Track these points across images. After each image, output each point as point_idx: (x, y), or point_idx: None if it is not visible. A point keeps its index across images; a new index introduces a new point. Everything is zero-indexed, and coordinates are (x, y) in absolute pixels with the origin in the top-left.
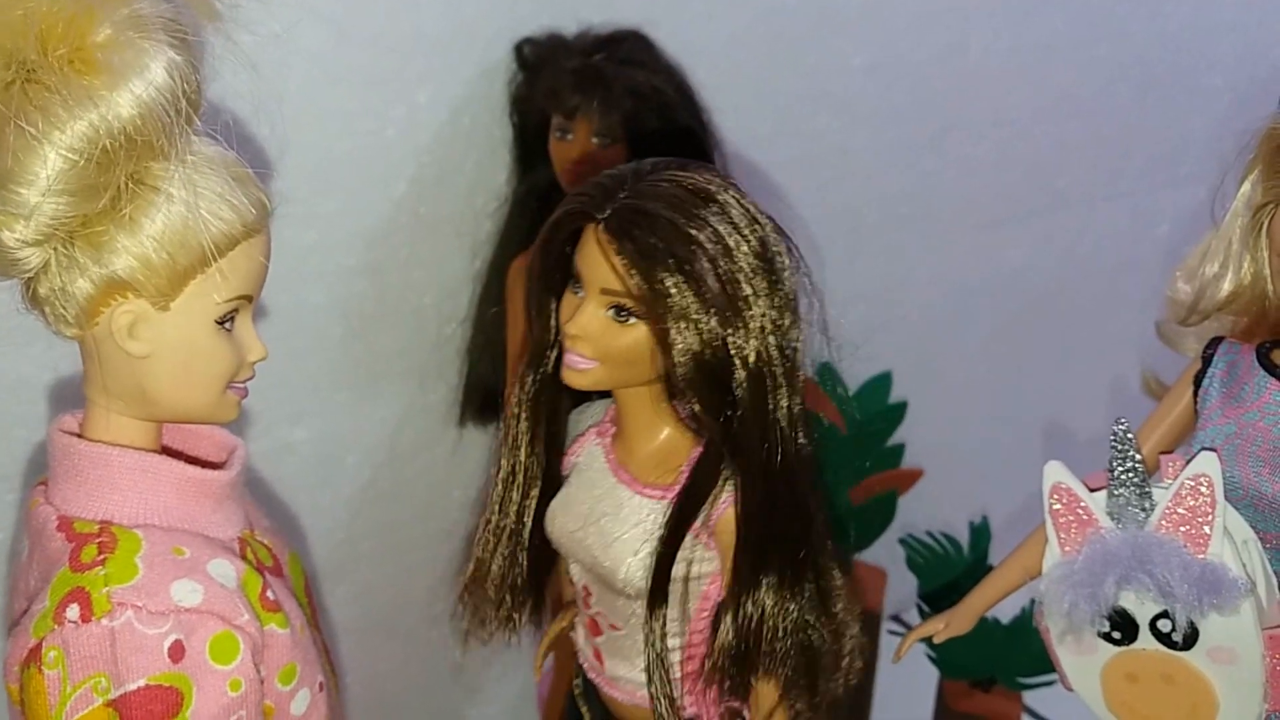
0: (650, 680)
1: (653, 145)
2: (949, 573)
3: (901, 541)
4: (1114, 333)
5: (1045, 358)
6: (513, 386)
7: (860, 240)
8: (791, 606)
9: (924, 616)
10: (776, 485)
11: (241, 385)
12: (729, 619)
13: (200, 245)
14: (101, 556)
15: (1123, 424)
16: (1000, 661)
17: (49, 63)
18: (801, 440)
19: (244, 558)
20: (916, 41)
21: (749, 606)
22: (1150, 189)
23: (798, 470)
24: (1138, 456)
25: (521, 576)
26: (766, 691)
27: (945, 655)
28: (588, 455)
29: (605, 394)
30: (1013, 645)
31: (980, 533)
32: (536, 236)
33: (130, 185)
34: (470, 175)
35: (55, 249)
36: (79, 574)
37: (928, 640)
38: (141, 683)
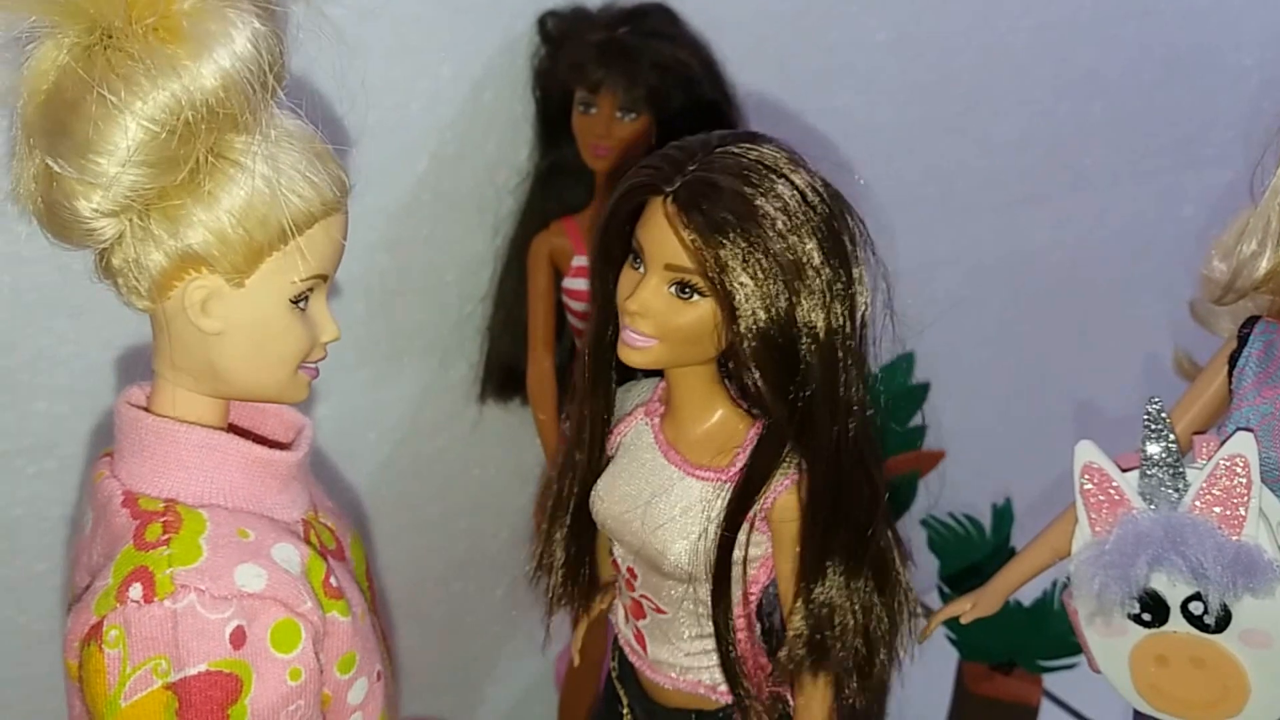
0: (724, 664)
1: (677, 119)
2: (970, 554)
3: (923, 523)
4: (1138, 313)
5: (1067, 339)
6: (535, 367)
7: (882, 219)
8: (859, 592)
9: (945, 598)
10: (844, 466)
11: (313, 366)
12: (800, 607)
13: (278, 222)
14: (166, 536)
15: (1156, 403)
16: (1020, 644)
17: (133, 30)
18: (868, 416)
19: (307, 540)
20: (940, 18)
21: (819, 594)
22: (1175, 169)
23: (864, 449)
24: (1171, 436)
25: (577, 555)
26: (816, 676)
27: (965, 637)
28: (635, 435)
29: (653, 372)
30: (1033, 628)
31: (1002, 514)
32: (558, 213)
33: (210, 158)
34: (492, 151)
35: (131, 220)
36: (143, 552)
37: (950, 621)
38: (202, 667)
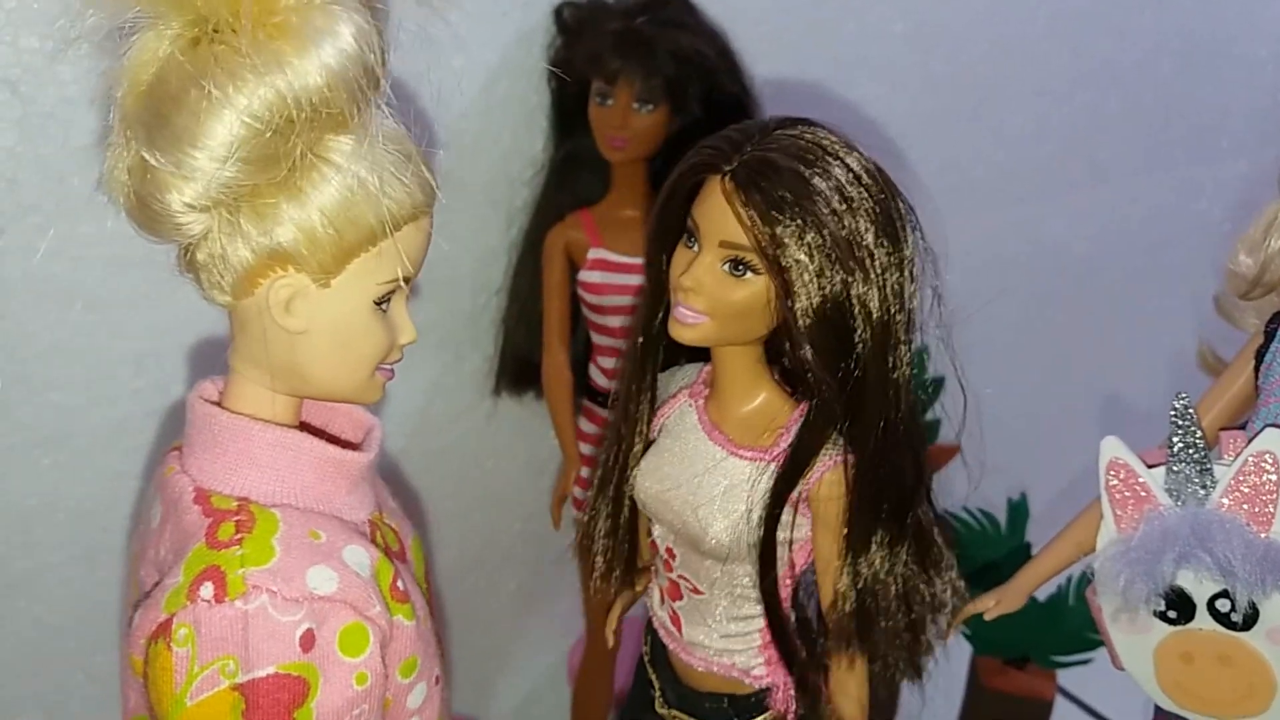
0: (778, 640)
1: (695, 110)
2: (986, 551)
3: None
4: (1156, 307)
5: (1084, 332)
6: (550, 359)
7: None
8: (903, 566)
9: None
10: (893, 444)
11: (389, 367)
12: (847, 581)
13: (369, 223)
14: (239, 535)
15: (1183, 398)
16: (1035, 639)
17: (240, 24)
18: (912, 394)
19: (373, 541)
20: (957, 9)
21: (865, 568)
22: (1191, 162)
23: (911, 427)
24: (1198, 432)
25: (619, 533)
26: (854, 659)
27: (979, 631)
28: (678, 416)
29: (696, 358)
30: (1048, 623)
31: (1018, 510)
32: (574, 205)
33: (307, 157)
34: (507, 142)
35: (220, 215)
36: (215, 551)
37: (971, 616)
38: (271, 670)
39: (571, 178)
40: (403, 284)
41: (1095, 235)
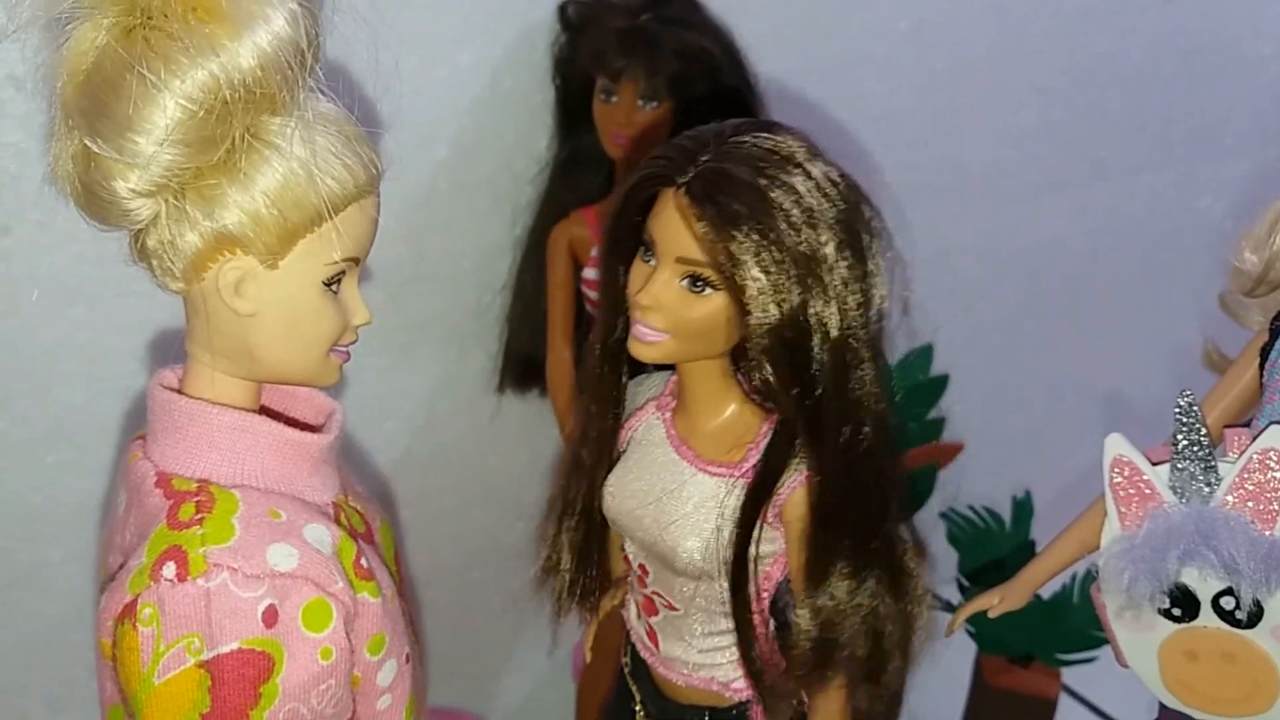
0: (745, 660)
1: (699, 107)
2: (990, 548)
3: (942, 515)
4: (1159, 304)
5: (1087, 330)
6: (554, 357)
7: (900, 209)
8: (866, 594)
9: (964, 592)
10: (854, 467)
11: (344, 349)
12: (806, 610)
13: (312, 204)
14: (199, 515)
15: (1188, 395)
16: (1039, 637)
17: (172, 9)
18: (882, 413)
19: (338, 523)
20: (960, 6)
21: (823, 597)
22: (1193, 160)
23: (877, 448)
24: (1203, 429)
25: (585, 553)
26: (827, 679)
27: (983, 629)
28: (645, 429)
29: (664, 366)
30: (1052, 621)
31: (1022, 507)
32: (578, 203)
33: (246, 139)
34: (511, 139)
35: (166, 201)
36: (176, 532)
37: (975, 614)
38: (235, 645)
39: (575, 175)
40: (353, 265)
41: (1098, 233)
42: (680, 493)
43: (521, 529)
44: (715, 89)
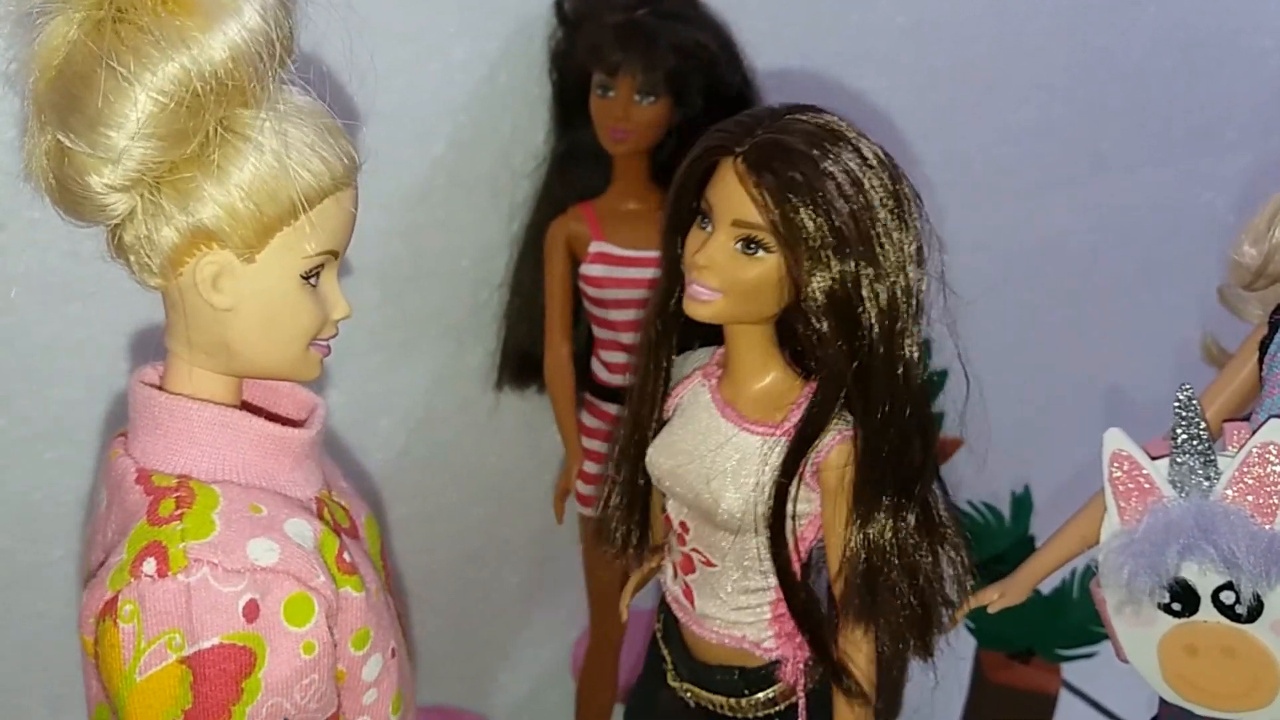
0: (793, 607)
1: (696, 102)
2: (990, 543)
3: None
4: (1160, 300)
5: (1087, 325)
6: (552, 353)
7: None
8: (907, 539)
9: None
10: (899, 424)
11: (324, 343)
12: (851, 551)
13: (288, 197)
14: (179, 511)
15: (1187, 389)
16: (1039, 633)
17: (143, 2)
18: (920, 374)
19: (321, 518)
20: (960, 2)
21: (869, 537)
22: (1194, 155)
23: (921, 410)
24: (1202, 423)
25: (640, 508)
26: (861, 631)
27: (983, 625)
28: (692, 395)
29: (709, 342)
30: (1052, 617)
31: (1022, 503)
32: (575, 198)
33: (219, 132)
34: (508, 135)
35: (142, 195)
36: (156, 528)
37: (975, 610)
38: (215, 641)
39: (573, 170)
40: (331, 258)
41: (1098, 228)
42: (724, 450)
43: (520, 526)
44: (713, 84)
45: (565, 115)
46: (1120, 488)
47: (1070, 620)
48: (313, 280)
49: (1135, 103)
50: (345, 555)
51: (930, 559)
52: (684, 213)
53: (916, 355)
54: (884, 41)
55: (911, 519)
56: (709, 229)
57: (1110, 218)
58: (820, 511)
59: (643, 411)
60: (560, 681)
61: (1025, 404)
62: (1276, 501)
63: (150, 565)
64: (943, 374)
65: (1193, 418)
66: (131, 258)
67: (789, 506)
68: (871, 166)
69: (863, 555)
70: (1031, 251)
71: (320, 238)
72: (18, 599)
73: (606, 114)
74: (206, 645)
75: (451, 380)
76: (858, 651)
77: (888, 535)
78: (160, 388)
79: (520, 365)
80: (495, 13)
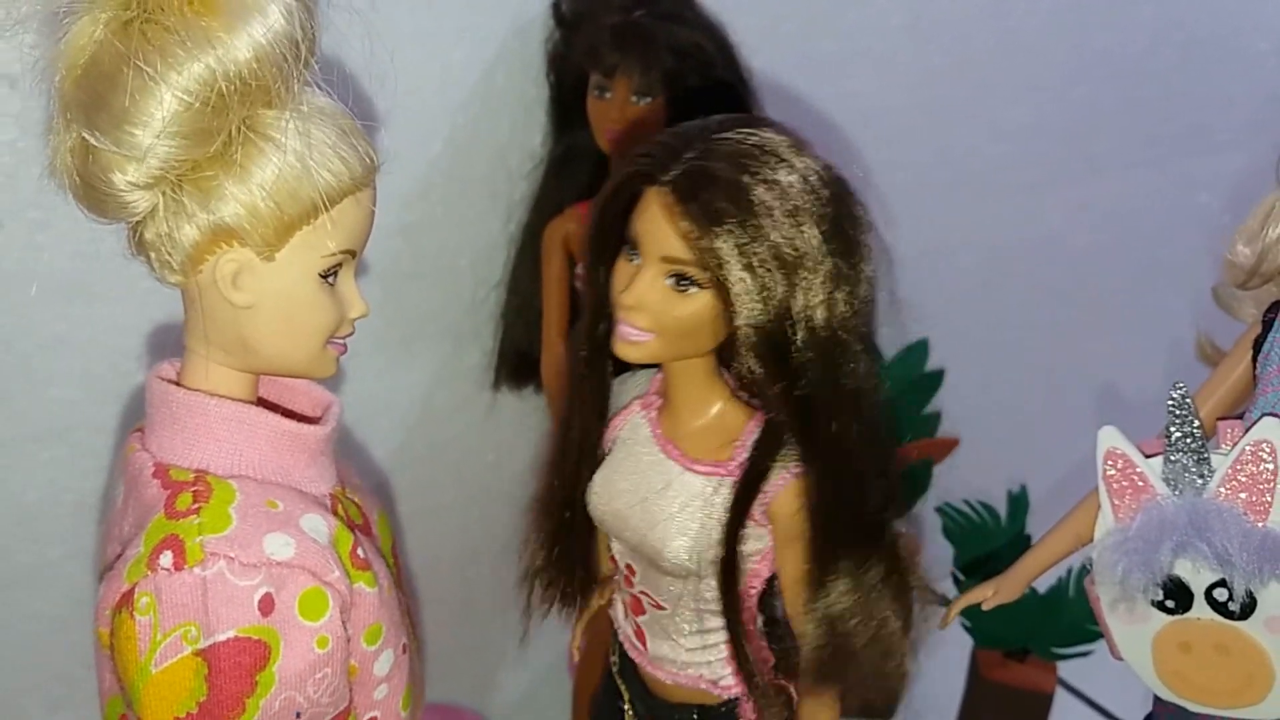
0: (738, 657)
1: (693, 102)
2: (986, 542)
3: (938, 510)
4: (1155, 299)
5: (1082, 325)
6: (549, 353)
7: (896, 204)
8: (870, 593)
9: (960, 586)
10: (847, 460)
11: (341, 341)
12: (812, 615)
13: (309, 196)
14: (196, 505)
15: (1181, 387)
16: (1035, 631)
17: (169, 3)
18: (875, 406)
19: (335, 514)
20: (956, 2)
21: (830, 598)
22: (1189, 155)
23: (871, 440)
24: (1196, 422)
25: (569, 554)
26: (826, 694)
27: (979, 624)
28: (631, 428)
29: (649, 365)
30: (1048, 615)
31: (1018, 502)
32: (573, 198)
33: (242, 131)
34: (505, 135)
35: (164, 193)
36: (173, 521)
37: (966, 608)
38: (231, 634)
39: (570, 171)
40: (349, 257)
41: (1093, 227)
42: (667, 492)
43: (518, 525)
44: (709, 84)
45: (562, 116)
46: (1114, 485)
47: (1066, 619)
48: (331, 279)
49: (1131, 103)
50: (359, 551)
51: (900, 610)
52: (608, 240)
53: (869, 384)
54: (879, 41)
55: (875, 575)
56: (636, 261)
57: (1105, 217)
58: (773, 547)
59: (575, 453)
60: (558, 679)
61: (1020, 403)
62: (1269, 499)
63: (167, 558)
64: (939, 373)
65: (1187, 416)
66: (152, 255)
67: (739, 549)
68: (809, 186)
69: (823, 629)
70: (1026, 250)
71: (339, 237)
72: (16, 599)
73: (604, 115)
74: (222, 638)
75: (449, 379)
76: (822, 709)
77: (846, 603)
78: (177, 384)
79: (518, 365)
80: (493, 14)
